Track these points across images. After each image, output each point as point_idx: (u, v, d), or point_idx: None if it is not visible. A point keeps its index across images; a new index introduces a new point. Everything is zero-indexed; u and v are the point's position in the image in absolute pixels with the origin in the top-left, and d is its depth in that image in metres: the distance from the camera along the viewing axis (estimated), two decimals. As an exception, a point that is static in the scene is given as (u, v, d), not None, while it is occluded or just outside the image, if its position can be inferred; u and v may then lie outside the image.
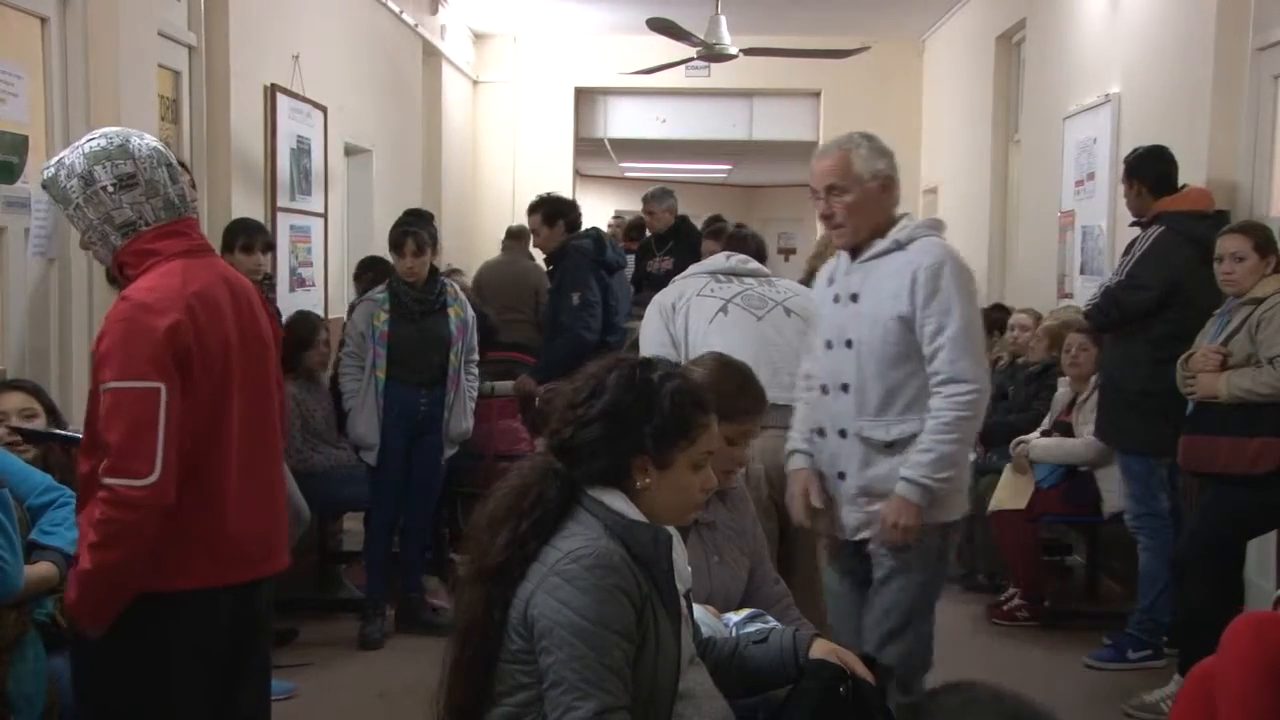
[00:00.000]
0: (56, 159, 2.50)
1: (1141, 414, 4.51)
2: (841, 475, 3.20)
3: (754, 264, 3.94)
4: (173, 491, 2.34)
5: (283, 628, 4.79)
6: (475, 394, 5.34)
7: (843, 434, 3.18)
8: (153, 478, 2.29)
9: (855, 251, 3.21)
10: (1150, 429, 4.47)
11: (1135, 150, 4.85)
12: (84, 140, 2.51)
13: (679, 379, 2.18)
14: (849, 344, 3.15)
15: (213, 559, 2.47)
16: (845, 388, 3.16)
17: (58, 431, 3.30)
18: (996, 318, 7.35)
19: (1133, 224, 4.82)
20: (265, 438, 2.61)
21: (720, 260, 3.91)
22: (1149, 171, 4.72)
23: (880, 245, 3.16)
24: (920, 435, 3.06)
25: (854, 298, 3.17)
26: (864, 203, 3.14)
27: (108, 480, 2.30)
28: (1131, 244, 4.67)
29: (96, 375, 2.37)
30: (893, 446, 3.10)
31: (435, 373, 5.05)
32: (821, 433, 3.23)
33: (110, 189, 2.42)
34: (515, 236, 8.06)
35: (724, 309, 3.71)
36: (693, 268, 3.99)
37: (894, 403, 3.11)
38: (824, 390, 3.22)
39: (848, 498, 3.20)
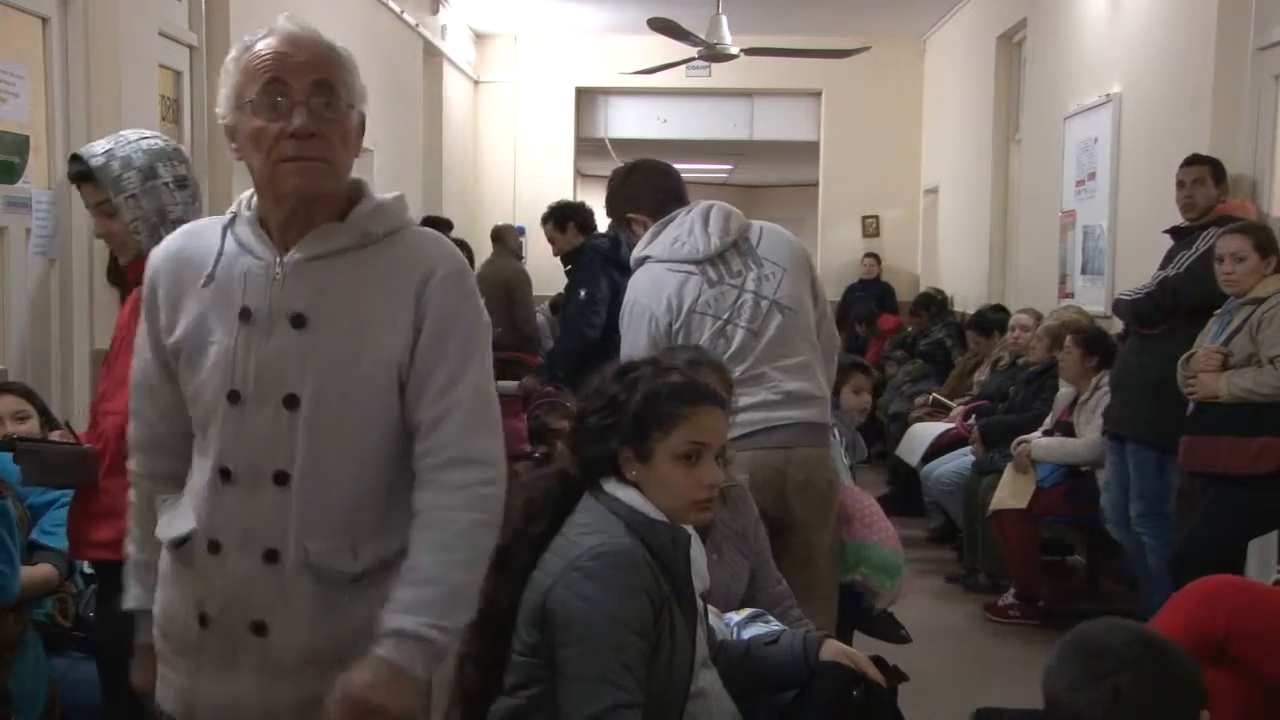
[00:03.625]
0: (104, 149, 2.61)
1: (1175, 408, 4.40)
2: (260, 628, 1.87)
3: (734, 223, 3.40)
4: None
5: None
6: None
7: (272, 557, 1.86)
8: None
9: (286, 225, 1.88)
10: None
11: (1210, 157, 4.73)
12: (134, 137, 2.64)
13: (666, 372, 2.22)
14: (290, 401, 1.84)
15: None
16: (282, 479, 1.85)
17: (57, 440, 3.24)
18: (996, 318, 7.38)
19: (1171, 229, 4.75)
20: None
21: (702, 241, 3.36)
22: (1224, 178, 4.67)
23: (344, 234, 1.88)
24: (413, 556, 1.84)
25: (298, 320, 1.85)
26: (348, 139, 1.88)
27: None
28: (1175, 249, 4.63)
29: None
30: (363, 580, 1.87)
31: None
32: (215, 547, 1.88)
33: (170, 186, 2.60)
34: (495, 238, 8.59)
35: (723, 333, 3.30)
36: (678, 250, 3.38)
37: (367, 504, 1.89)
38: (225, 477, 1.87)
39: (278, 667, 1.88)
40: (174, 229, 2.48)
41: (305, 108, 1.80)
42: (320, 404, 1.85)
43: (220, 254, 1.90)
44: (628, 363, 2.32)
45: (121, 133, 2.68)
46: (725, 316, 3.32)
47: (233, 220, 1.93)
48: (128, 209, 2.56)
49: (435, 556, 1.83)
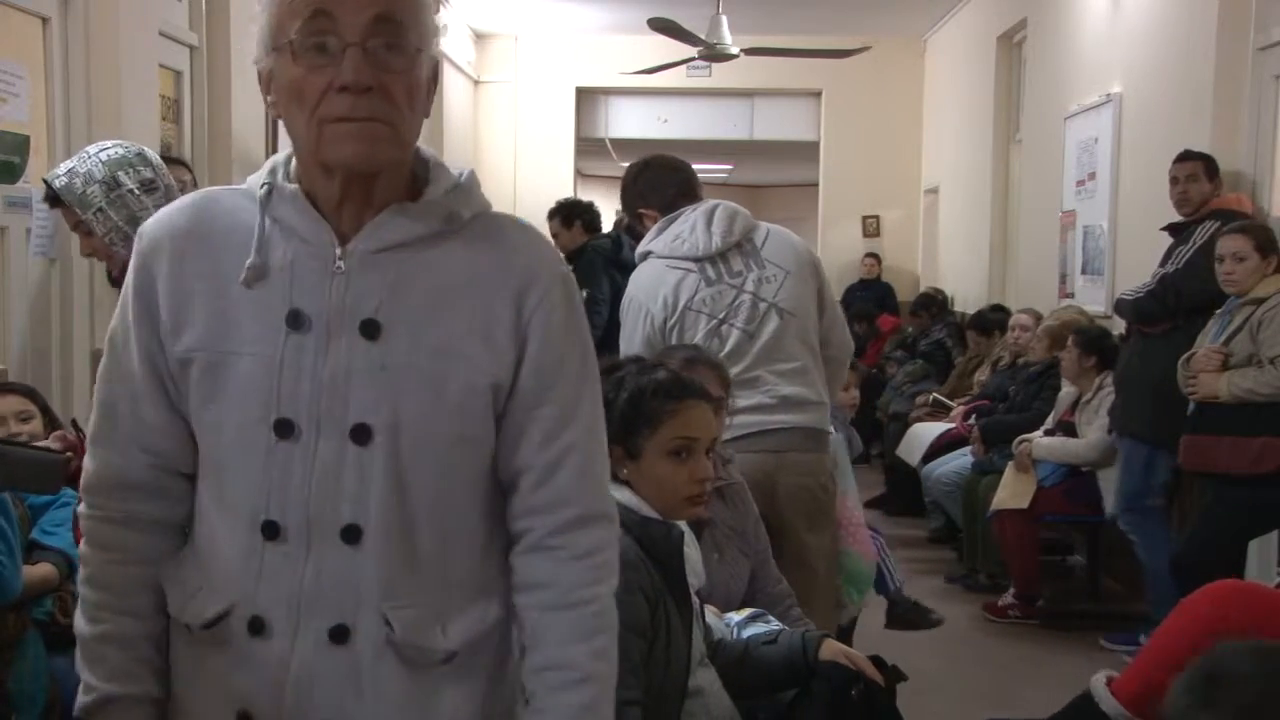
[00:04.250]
0: (66, 169, 2.64)
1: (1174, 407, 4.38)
2: None
3: (739, 223, 3.37)
4: None
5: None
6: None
7: (340, 636, 1.42)
8: None
9: (341, 204, 1.44)
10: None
11: (1201, 152, 4.73)
12: (95, 150, 2.65)
13: (652, 369, 2.23)
14: (361, 434, 1.41)
15: None
16: (353, 534, 1.42)
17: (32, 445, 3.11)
18: (996, 318, 7.39)
19: (1169, 226, 4.74)
20: None
21: (703, 239, 3.33)
22: (1217, 173, 4.66)
23: (423, 218, 1.45)
24: (551, 647, 1.48)
25: (370, 329, 1.42)
26: (416, 95, 1.42)
27: None
28: (1174, 244, 4.64)
29: None
30: (454, 661, 1.47)
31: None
32: (259, 626, 1.42)
33: (136, 192, 2.58)
34: None
35: (717, 333, 3.28)
36: (679, 247, 3.36)
37: (458, 563, 1.49)
38: (270, 533, 1.42)
39: None
40: None
41: (360, 51, 1.35)
42: (401, 437, 1.41)
43: (260, 237, 1.42)
44: (613, 362, 2.32)
45: (85, 149, 2.71)
46: (721, 316, 3.31)
47: (268, 193, 1.43)
48: (99, 223, 2.56)
49: (583, 647, 1.48)
